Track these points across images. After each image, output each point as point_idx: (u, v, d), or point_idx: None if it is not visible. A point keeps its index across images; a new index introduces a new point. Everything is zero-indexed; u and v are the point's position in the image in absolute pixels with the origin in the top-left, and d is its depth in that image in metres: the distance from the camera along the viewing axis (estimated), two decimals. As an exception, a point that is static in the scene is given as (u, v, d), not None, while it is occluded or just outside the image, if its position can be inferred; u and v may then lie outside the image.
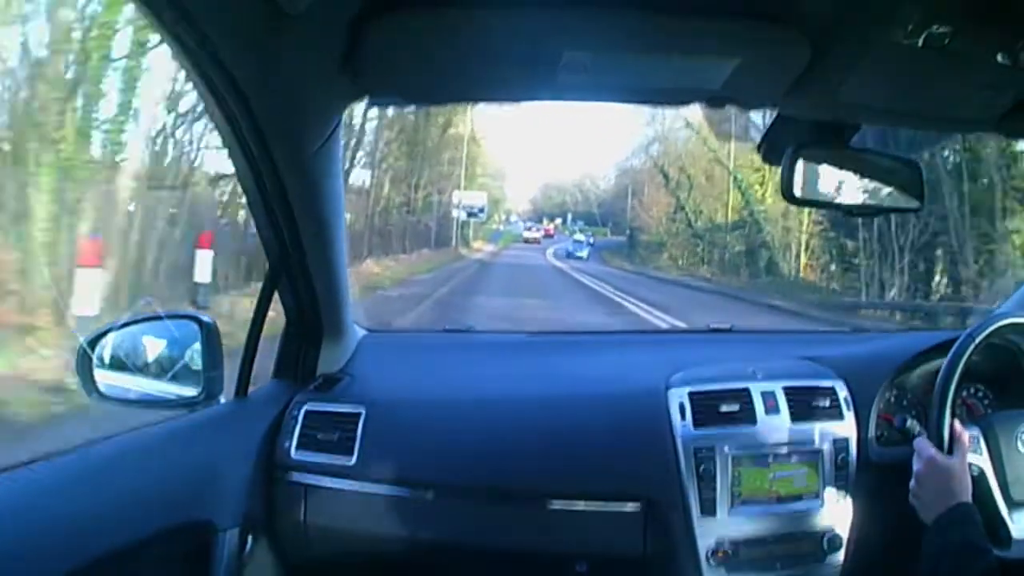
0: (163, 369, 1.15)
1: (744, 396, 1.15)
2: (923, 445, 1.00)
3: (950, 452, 0.99)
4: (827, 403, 1.16)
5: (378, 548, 1.15)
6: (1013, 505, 1.02)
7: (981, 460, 1.03)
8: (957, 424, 1.01)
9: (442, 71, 0.81)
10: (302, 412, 1.16)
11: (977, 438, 1.04)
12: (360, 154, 14.49)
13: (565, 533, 1.12)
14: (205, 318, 1.13)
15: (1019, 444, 1.04)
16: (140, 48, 6.37)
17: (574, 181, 46.47)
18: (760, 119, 1.09)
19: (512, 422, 1.18)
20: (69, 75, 5.91)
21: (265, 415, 1.16)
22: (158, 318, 1.15)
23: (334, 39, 0.73)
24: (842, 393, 1.18)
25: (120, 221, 6.11)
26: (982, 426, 1.06)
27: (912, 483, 1.00)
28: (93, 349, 1.07)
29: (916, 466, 1.00)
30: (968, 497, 0.96)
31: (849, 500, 1.13)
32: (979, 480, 1.01)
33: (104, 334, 1.09)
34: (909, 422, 1.12)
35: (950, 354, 1.05)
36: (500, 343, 1.55)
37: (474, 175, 24.94)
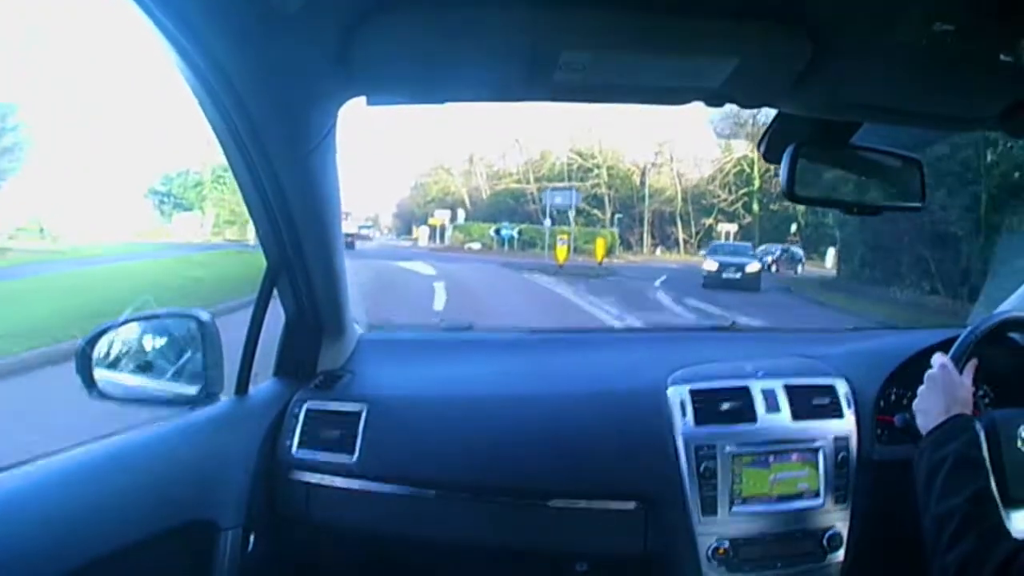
0: (162, 367, 1.15)
1: (745, 394, 1.15)
2: (939, 356, 1.02)
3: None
4: (827, 401, 1.16)
5: (379, 546, 1.15)
6: (1009, 502, 1.02)
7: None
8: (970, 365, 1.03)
9: (438, 70, 0.80)
10: (303, 410, 1.16)
11: (978, 431, 1.04)
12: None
13: (565, 532, 1.12)
14: (204, 316, 1.13)
15: (1020, 442, 1.04)
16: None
17: (478, 155, 29.96)
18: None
19: (512, 420, 1.18)
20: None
21: (266, 413, 1.15)
22: (156, 316, 1.15)
23: (329, 38, 0.72)
24: (843, 391, 1.17)
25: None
26: (983, 422, 1.06)
27: (918, 395, 1.00)
28: (92, 348, 1.07)
29: (927, 374, 1.00)
30: (969, 411, 0.96)
31: (849, 499, 1.13)
32: None
33: (103, 332, 1.09)
34: (909, 420, 1.12)
35: (952, 350, 1.05)
36: (500, 341, 1.54)
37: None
